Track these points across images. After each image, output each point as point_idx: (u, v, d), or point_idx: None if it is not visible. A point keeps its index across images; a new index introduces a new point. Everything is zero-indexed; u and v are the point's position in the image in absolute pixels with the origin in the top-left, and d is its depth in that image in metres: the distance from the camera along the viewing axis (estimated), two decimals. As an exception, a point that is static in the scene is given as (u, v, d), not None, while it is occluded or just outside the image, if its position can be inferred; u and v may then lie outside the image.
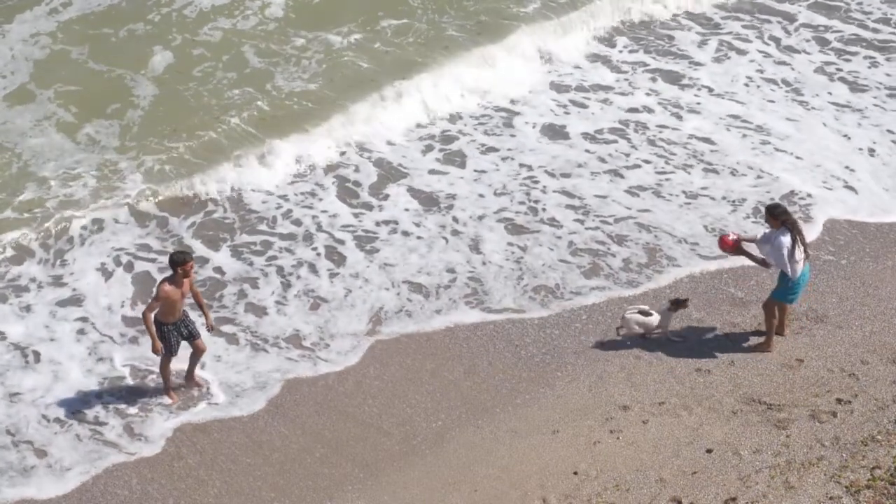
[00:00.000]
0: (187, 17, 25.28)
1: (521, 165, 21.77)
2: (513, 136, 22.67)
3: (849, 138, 22.28)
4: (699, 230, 19.85)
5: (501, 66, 24.36)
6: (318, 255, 19.62)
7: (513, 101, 23.64)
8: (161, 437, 16.28)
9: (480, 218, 20.41)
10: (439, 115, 23.13)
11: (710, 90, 23.99)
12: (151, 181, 20.95)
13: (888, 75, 24.36)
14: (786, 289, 16.66)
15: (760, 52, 25.27)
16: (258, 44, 24.61)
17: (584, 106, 23.60)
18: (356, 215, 20.55)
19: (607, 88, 24.19)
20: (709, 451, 15.29)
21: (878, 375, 16.40)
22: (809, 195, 20.52)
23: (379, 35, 25.07)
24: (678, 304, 17.29)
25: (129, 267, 19.31)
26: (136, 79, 23.51)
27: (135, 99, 22.97)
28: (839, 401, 15.93)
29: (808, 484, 14.53)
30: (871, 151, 21.87)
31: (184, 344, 16.67)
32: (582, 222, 20.23)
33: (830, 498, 14.27)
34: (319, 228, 20.21)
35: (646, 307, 17.47)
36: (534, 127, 22.91)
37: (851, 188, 20.81)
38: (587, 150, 22.19)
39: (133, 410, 16.68)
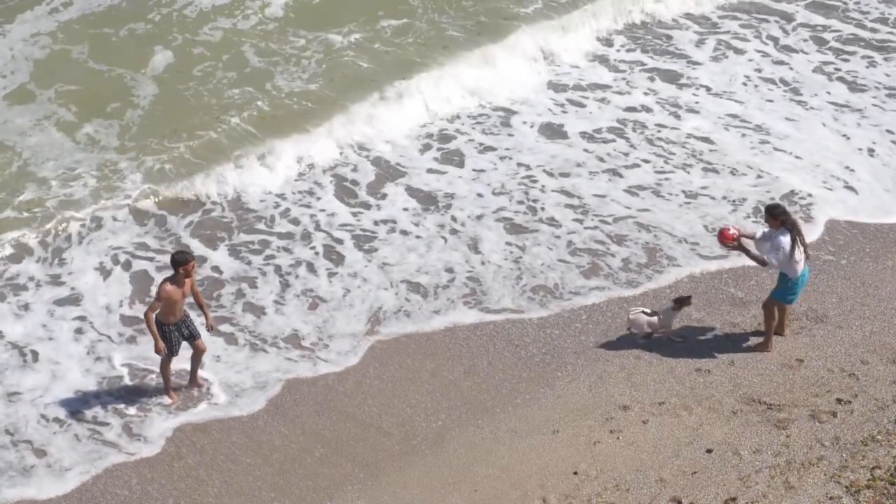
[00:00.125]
0: (187, 17, 25.18)
1: (520, 165, 21.66)
2: (511, 135, 22.56)
3: (848, 138, 22.16)
4: (699, 230, 19.74)
5: (500, 66, 24.22)
6: (317, 254, 19.51)
7: (511, 101, 23.51)
8: (161, 436, 16.17)
9: (479, 217, 20.30)
10: (438, 114, 23.00)
11: (709, 89, 23.88)
12: (151, 181, 20.86)
13: (887, 75, 24.23)
14: (785, 289, 16.56)
15: (758, 51, 25.14)
16: (258, 43, 24.52)
17: (582, 105, 23.48)
18: (355, 214, 20.44)
19: (605, 87, 24.07)
20: (709, 451, 15.19)
21: (878, 375, 16.30)
22: (810, 195, 20.41)
23: (379, 35, 24.97)
24: (681, 302, 17.18)
25: (127, 266, 19.20)
26: (136, 78, 23.39)
27: (135, 99, 22.86)
28: (839, 401, 15.83)
29: (808, 484, 14.43)
30: (871, 152, 21.75)
31: (184, 344, 16.53)
32: (581, 222, 20.11)
33: (830, 498, 14.17)
34: (318, 228, 20.10)
35: (647, 310, 17.33)
36: (532, 126, 22.79)
37: (852, 188, 20.70)
38: (586, 150, 22.07)
39: (133, 410, 16.56)
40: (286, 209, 20.51)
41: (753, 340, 17.11)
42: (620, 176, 21.27)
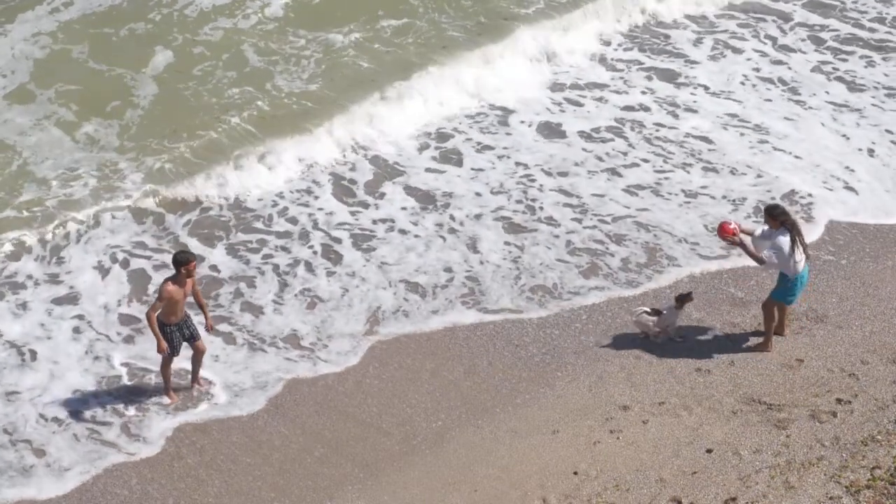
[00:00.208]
0: (188, 17, 25.09)
1: (518, 164, 21.54)
2: (508, 134, 22.43)
3: (848, 138, 22.04)
4: (699, 229, 19.61)
5: (499, 66, 24.09)
6: (315, 253, 19.40)
7: (509, 100, 23.37)
8: (161, 436, 16.05)
9: (478, 217, 20.18)
10: (437, 114, 22.86)
11: (707, 88, 23.76)
12: (150, 180, 20.74)
13: (886, 75, 24.11)
14: (785, 289, 16.46)
15: (756, 51, 25.02)
16: (257, 42, 24.42)
17: (580, 104, 23.35)
18: (353, 213, 20.32)
19: (603, 87, 23.94)
20: (709, 451, 15.09)
21: (878, 375, 16.20)
22: (810, 195, 20.29)
23: (379, 35, 24.86)
24: (683, 299, 17.05)
25: (125, 265, 19.08)
26: (137, 78, 23.28)
27: (135, 98, 22.76)
28: (839, 401, 15.73)
29: (808, 484, 14.33)
30: (871, 152, 21.62)
31: (184, 344, 16.43)
32: (580, 221, 19.99)
33: (830, 498, 14.08)
34: (316, 226, 20.00)
35: (648, 309, 17.23)
36: (530, 126, 22.67)
37: (852, 189, 20.56)
38: (584, 149, 21.94)
39: (132, 410, 16.44)
40: (284, 208, 20.40)
41: (753, 340, 16.99)
42: (619, 175, 21.15)
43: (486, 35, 25.00)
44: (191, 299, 16.26)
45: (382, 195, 20.75)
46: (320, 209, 20.38)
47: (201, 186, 20.64)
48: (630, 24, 25.90)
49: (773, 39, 25.41)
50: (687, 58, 24.85)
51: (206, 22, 24.98)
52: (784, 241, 16.01)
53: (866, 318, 17.36)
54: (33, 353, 17.36)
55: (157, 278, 18.56)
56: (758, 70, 24.34)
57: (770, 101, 23.29)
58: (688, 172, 21.12)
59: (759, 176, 20.90)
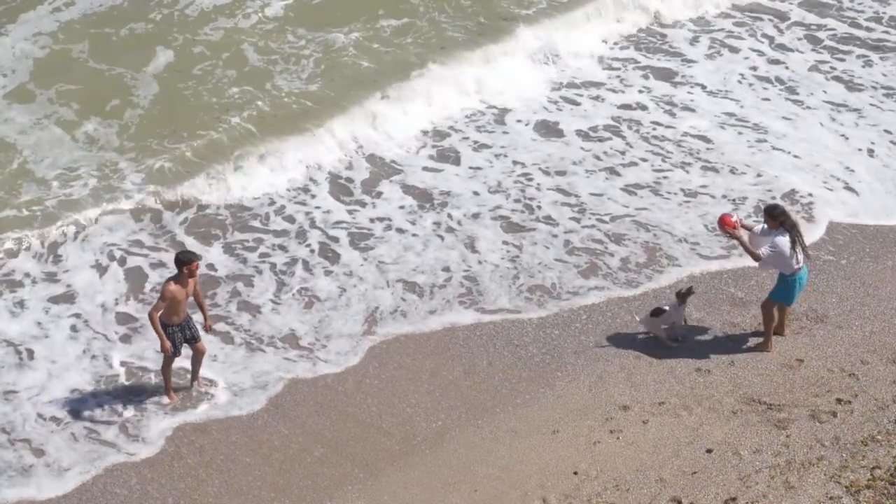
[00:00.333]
0: (188, 17, 24.97)
1: (516, 163, 21.40)
2: (505, 133, 22.29)
3: (847, 138, 21.88)
4: (700, 229, 19.45)
5: (497, 66, 23.92)
6: (312, 251, 19.27)
7: (506, 99, 23.20)
8: (161, 436, 15.91)
9: (476, 216, 20.02)
10: (435, 113, 22.70)
11: (704, 87, 23.60)
12: (149, 179, 20.61)
13: (884, 75, 23.94)
14: (784, 290, 16.36)
15: (753, 50, 24.87)
16: (257, 42, 24.30)
17: (577, 104, 23.19)
18: (351, 212, 20.18)
19: (600, 85, 23.78)
20: (709, 451, 14.99)
21: (878, 375, 16.08)
22: (810, 195, 20.14)
23: (379, 35, 24.73)
24: (684, 295, 16.88)
25: (122, 263, 18.94)
26: (137, 78, 23.14)
27: (135, 98, 22.62)
28: (839, 401, 15.62)
29: (808, 484, 14.23)
30: (871, 152, 21.45)
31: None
32: (578, 221, 19.84)
33: (830, 498, 13.98)
34: (313, 225, 19.86)
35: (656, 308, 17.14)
36: (527, 125, 22.51)
37: (852, 190, 20.40)
38: (582, 148, 21.77)
39: (132, 410, 16.29)
40: (282, 206, 20.28)
41: (753, 340, 16.87)
42: (618, 174, 20.99)
43: (485, 35, 24.85)
44: (190, 298, 16.10)
45: (380, 194, 20.61)
46: (317, 207, 20.26)
47: (200, 186, 20.49)
48: (630, 23, 25.67)
49: (770, 39, 25.25)
50: (684, 57, 24.71)
51: (207, 22, 24.85)
52: (782, 241, 15.90)
53: (866, 318, 17.24)
54: (31, 353, 17.22)
55: (155, 277, 18.52)
56: (755, 69, 24.18)
57: (768, 100, 23.13)
58: (687, 172, 20.97)
59: (758, 175, 20.75)
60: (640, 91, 23.49)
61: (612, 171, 21.04)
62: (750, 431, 15.22)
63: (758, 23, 25.84)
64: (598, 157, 21.46)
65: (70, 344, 17.37)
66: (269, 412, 16.23)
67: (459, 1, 25.74)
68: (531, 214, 20.00)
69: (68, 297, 18.23)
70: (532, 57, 24.25)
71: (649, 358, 16.75)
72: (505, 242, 19.36)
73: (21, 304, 18.10)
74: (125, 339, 17.46)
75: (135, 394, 16.51)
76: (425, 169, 21.22)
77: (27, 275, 18.66)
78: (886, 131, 22.04)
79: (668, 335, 16.98)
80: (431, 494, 14.83)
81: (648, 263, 18.75)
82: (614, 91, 23.53)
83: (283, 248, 19.32)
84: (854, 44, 25.01)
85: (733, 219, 16.22)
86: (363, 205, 20.36)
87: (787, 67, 24.20)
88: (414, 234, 19.61)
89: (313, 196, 20.54)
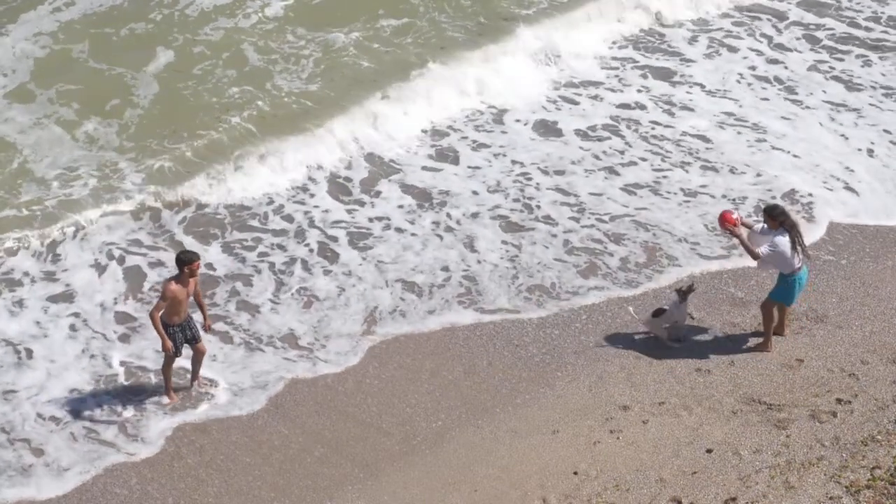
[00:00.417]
0: (189, 17, 24.87)
1: (514, 162, 21.29)
2: (504, 132, 22.16)
3: (846, 138, 21.76)
4: (700, 229, 19.34)
5: (496, 65, 23.77)
6: (311, 251, 19.16)
7: (505, 99, 23.07)
8: (160, 436, 15.81)
9: (474, 215, 19.92)
10: (434, 113, 22.56)
11: (703, 87, 23.47)
12: (149, 179, 20.50)
13: (883, 75, 23.81)
14: (784, 290, 16.28)
15: (752, 49, 24.74)
16: (257, 42, 24.20)
17: (575, 103, 23.07)
18: (349, 212, 20.07)
19: (598, 84, 23.64)
20: (709, 451, 14.91)
21: (878, 375, 16.00)
22: (810, 195, 20.03)
23: (379, 34, 24.63)
24: (686, 293, 16.77)
25: (121, 262, 18.85)
26: (137, 77, 23.04)
27: (135, 98, 22.53)
28: (839, 401, 15.54)
29: (808, 484, 14.16)
30: (871, 152, 21.33)
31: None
32: (577, 220, 19.73)
33: (830, 498, 13.91)
34: (312, 224, 19.75)
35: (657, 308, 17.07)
36: (525, 124, 22.40)
37: (853, 190, 20.29)
38: (581, 147, 21.66)
39: (131, 409, 16.18)
40: (280, 205, 20.18)
41: (753, 340, 16.79)
42: (617, 174, 20.88)
43: (485, 35, 24.73)
44: (190, 298, 16.02)
45: (379, 193, 20.50)
46: (316, 206, 20.16)
47: (199, 186, 20.39)
48: (629, 23, 25.51)
49: (769, 38, 25.12)
50: (682, 56, 24.59)
51: (207, 22, 24.77)
52: (782, 241, 15.83)
53: (866, 318, 17.16)
54: (29, 352, 17.12)
55: (153, 276, 18.45)
56: (753, 69, 24.05)
57: (767, 99, 23.01)
58: (686, 171, 20.85)
59: (758, 175, 20.64)
60: (639, 90, 23.37)
61: (612, 171, 20.93)
62: (750, 431, 15.14)
63: (756, 22, 25.71)
64: (597, 157, 21.35)
65: (69, 343, 17.27)
66: (269, 412, 16.13)
67: (459, 1, 25.62)
68: (530, 214, 19.89)
69: (67, 297, 18.14)
70: (532, 57, 24.09)
71: (649, 358, 16.65)
72: (504, 242, 19.25)
73: (20, 303, 18.01)
74: (124, 338, 17.36)
75: (134, 393, 16.41)
76: (424, 168, 21.11)
77: (26, 273, 18.57)
78: (886, 131, 21.92)
79: (669, 335, 16.87)
80: (431, 494, 14.75)
81: (648, 263, 18.64)
82: (613, 90, 23.41)
83: (281, 247, 19.22)
84: (853, 43, 24.88)
85: (734, 216, 16.12)
86: (362, 204, 20.26)
87: (786, 67, 24.07)
88: (413, 234, 19.50)
89: (312, 195, 20.43)
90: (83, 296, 18.15)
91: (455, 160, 21.34)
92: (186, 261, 15.55)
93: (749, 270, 17.99)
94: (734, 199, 19.96)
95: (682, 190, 20.33)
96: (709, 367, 16.36)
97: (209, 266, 18.67)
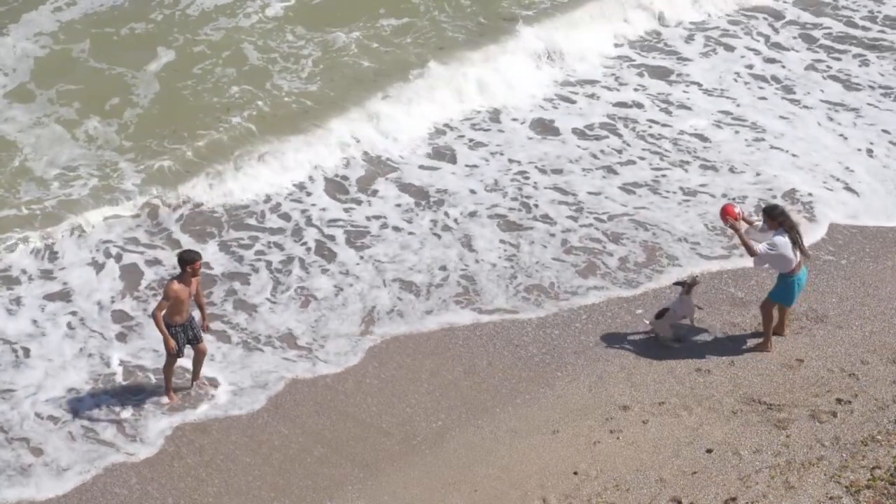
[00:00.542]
0: (189, 17, 24.71)
1: (512, 161, 21.12)
2: (501, 131, 21.98)
3: (845, 138, 21.55)
4: (700, 228, 19.17)
5: (494, 65, 23.52)
6: (309, 250, 19.02)
7: (502, 98, 22.87)
8: (160, 436, 15.70)
9: (472, 214, 19.75)
10: (433, 112, 22.37)
11: (700, 86, 23.25)
12: (149, 178, 20.37)
13: (881, 74, 23.60)
14: (784, 290, 16.13)
15: (749, 48, 24.51)
16: (257, 41, 24.04)
17: (572, 102, 22.88)
18: (347, 210, 19.91)
19: (595, 83, 23.45)
20: (709, 451, 14.78)
21: (878, 375, 15.84)
22: (810, 195, 19.85)
23: (379, 34, 24.46)
24: (688, 285, 16.59)
25: (118, 260, 18.72)
26: (138, 77, 22.89)
27: (135, 98, 22.38)
28: (839, 401, 15.39)
29: (808, 484, 14.04)
30: (870, 152, 21.13)
31: (182, 345, 16.15)
32: (576, 219, 19.55)
33: (830, 498, 13.79)
34: (309, 223, 19.60)
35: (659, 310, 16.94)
36: (522, 123, 22.23)
37: (853, 190, 20.09)
38: (578, 146, 21.48)
39: (131, 409, 16.06)
40: (277, 204, 20.04)
41: (753, 340, 16.63)
42: (615, 173, 20.70)
43: (485, 35, 24.54)
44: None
45: (376, 192, 20.34)
46: (313, 205, 20.03)
47: (198, 185, 20.26)
48: (628, 23, 25.25)
49: (766, 37, 24.90)
50: (679, 55, 24.37)
51: (207, 21, 24.62)
52: (781, 241, 15.68)
53: (866, 318, 17.00)
54: (27, 351, 16.99)
55: (150, 274, 18.33)
56: (751, 68, 23.85)
57: (765, 99, 22.81)
58: (686, 171, 20.67)
59: (757, 174, 20.46)
60: (636, 89, 23.19)
61: (610, 170, 20.75)
62: (750, 431, 15.01)
63: (753, 21, 25.49)
64: (594, 156, 21.18)
65: (67, 342, 17.16)
66: (269, 412, 16.01)
67: (460, 1, 25.44)
68: (528, 213, 19.73)
69: (64, 295, 18.02)
70: (531, 56, 23.87)
71: (649, 358, 16.52)
72: (502, 241, 19.10)
73: (17, 301, 17.88)
74: (122, 337, 17.24)
75: (133, 393, 16.29)
76: (422, 167, 20.94)
77: (24, 271, 18.43)
78: (885, 131, 21.71)
79: (674, 334, 16.71)
80: (431, 494, 14.64)
81: (648, 263, 18.47)
82: (609, 89, 23.23)
83: (279, 246, 19.07)
84: (850, 43, 24.67)
85: (737, 210, 16.01)
86: (359, 203, 20.11)
87: (783, 66, 23.86)
88: (410, 233, 19.35)
89: (309, 193, 20.30)
90: (80, 294, 18.02)
91: (452, 159, 21.18)
92: (189, 260, 15.47)
93: (749, 270, 17.84)
94: (734, 199, 19.72)
95: (681, 189, 20.16)
96: (709, 367, 16.21)
97: (206, 265, 18.36)
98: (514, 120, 22.27)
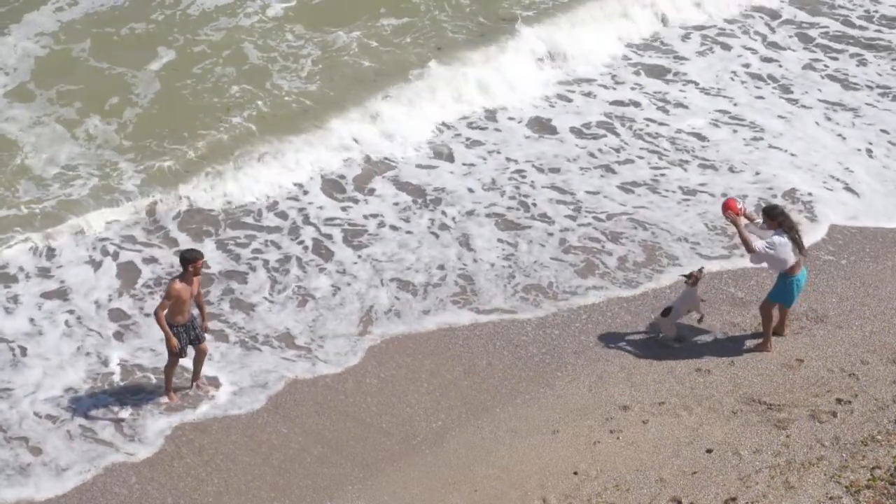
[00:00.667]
0: (190, 17, 24.50)
1: (509, 160, 20.93)
2: (498, 130, 21.79)
3: (844, 138, 21.36)
4: (700, 228, 18.99)
5: (496, 64, 23.30)
6: (306, 249, 18.83)
7: (500, 97, 22.64)
8: (160, 435, 15.55)
9: (470, 213, 19.57)
10: (434, 112, 22.14)
11: (697, 84, 23.05)
12: (148, 178, 20.20)
13: (879, 74, 23.40)
14: (783, 290, 15.99)
15: (746, 47, 24.29)
16: (258, 41, 23.86)
17: (569, 100, 22.68)
18: (344, 209, 19.74)
19: (591, 81, 23.24)
20: (709, 451, 14.65)
21: (878, 375, 15.69)
22: (810, 194, 19.67)
23: (379, 34, 24.27)
24: (694, 276, 16.44)
25: (115, 258, 18.56)
26: (138, 76, 22.70)
27: (135, 97, 22.20)
28: (839, 401, 15.25)
29: (808, 484, 13.90)
30: (869, 152, 20.93)
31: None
32: (574, 219, 19.37)
33: (830, 498, 13.65)
34: (307, 221, 19.41)
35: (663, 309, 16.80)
36: (519, 122, 22.03)
37: (852, 191, 19.90)
38: (576, 145, 21.29)
39: (130, 409, 15.90)
40: (275, 202, 19.86)
41: (753, 341, 16.49)
42: (613, 172, 20.51)
43: (485, 35, 24.33)
44: (190, 297, 15.88)
45: (373, 191, 20.17)
46: (311, 203, 19.87)
47: (197, 184, 20.09)
48: (628, 23, 24.96)
49: (763, 36, 24.68)
50: (676, 54, 24.15)
51: (208, 21, 24.44)
52: (780, 241, 15.56)
53: (866, 318, 16.85)
54: (24, 350, 16.83)
55: (147, 273, 18.18)
56: (748, 67, 23.65)
57: (762, 98, 22.60)
58: (685, 170, 20.49)
59: (756, 174, 20.28)
60: (633, 88, 23.00)
61: (608, 169, 20.57)
62: (750, 431, 14.88)
63: (749, 20, 25.27)
64: (592, 155, 21.00)
65: (64, 341, 17.02)
66: (269, 412, 15.87)
67: (460, 1, 25.25)
68: (526, 212, 19.56)
69: (62, 293, 17.88)
70: (530, 56, 23.64)
71: (649, 358, 16.38)
72: (500, 241, 18.93)
73: (15, 299, 17.73)
74: (119, 336, 17.10)
75: (132, 393, 16.14)
76: (419, 166, 20.76)
77: (21, 269, 18.26)
78: (883, 131, 21.50)
79: (675, 334, 16.56)
80: (431, 494, 14.51)
81: (648, 263, 18.29)
82: (606, 88, 23.02)
83: (276, 244, 18.92)
84: (847, 42, 24.45)
85: (739, 205, 15.86)
86: (356, 201, 19.93)
87: (780, 65, 23.65)
88: (408, 232, 19.19)
89: (306, 192, 20.11)
90: (78, 293, 17.88)
91: (450, 157, 21.01)
92: (191, 259, 15.36)
93: (749, 270, 17.67)
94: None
95: (680, 188, 19.98)
96: (709, 367, 16.07)
97: (203, 264, 18.30)
98: (511, 119, 22.09)
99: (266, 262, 18.51)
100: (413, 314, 17.44)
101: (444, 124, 21.84)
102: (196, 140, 21.01)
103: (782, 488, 13.83)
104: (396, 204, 19.80)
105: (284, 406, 15.90)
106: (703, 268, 16.79)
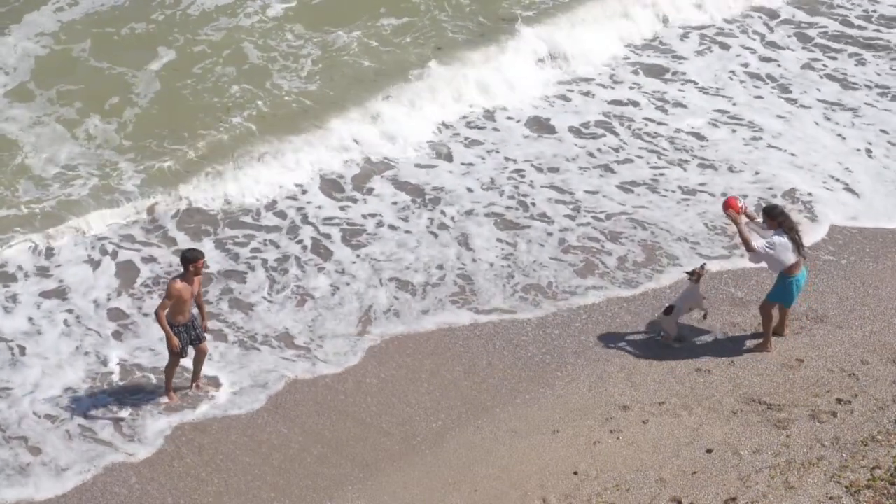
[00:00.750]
0: (190, 17, 24.38)
1: (508, 159, 20.82)
2: (496, 130, 21.68)
3: (844, 138, 21.24)
4: (699, 228, 18.88)
5: (496, 64, 23.17)
6: (305, 248, 18.74)
7: (502, 97, 22.52)
8: (160, 435, 15.47)
9: (469, 213, 19.46)
10: (434, 112, 22.02)
11: (696, 84, 22.92)
12: (148, 178, 20.10)
13: (878, 74, 23.27)
14: (782, 290, 15.89)
15: (744, 47, 24.15)
16: (258, 41, 23.76)
17: (568, 100, 22.57)
18: (343, 209, 19.64)
19: (590, 81, 23.11)
20: (709, 451, 14.58)
21: (878, 375, 15.61)
22: (810, 194, 19.56)
23: (379, 34, 24.16)
24: (699, 275, 16.33)
25: (114, 257, 18.47)
26: (138, 76, 22.60)
27: (135, 97, 22.10)
28: (839, 401, 15.17)
29: (808, 484, 13.84)
30: (869, 152, 20.80)
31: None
32: (573, 218, 19.26)
33: (830, 498, 13.59)
34: (305, 221, 19.32)
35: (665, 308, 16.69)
36: (518, 122, 21.92)
37: (852, 191, 19.77)
38: (575, 145, 21.18)
39: (129, 408, 15.82)
40: (273, 201, 19.76)
41: (753, 341, 16.40)
42: (612, 172, 20.40)
43: (485, 35, 24.21)
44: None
45: (371, 190, 20.06)
46: (309, 202, 19.76)
47: (197, 184, 19.99)
48: (627, 23, 24.82)
49: (761, 36, 24.54)
50: (674, 53, 24.03)
51: (208, 21, 24.33)
52: (780, 241, 15.48)
53: (866, 318, 16.76)
54: (22, 349, 16.74)
55: (146, 272, 18.10)
56: (746, 66, 23.52)
57: (761, 97, 22.47)
58: (684, 169, 20.38)
59: (756, 173, 20.17)
60: (631, 87, 22.88)
61: (607, 169, 20.46)
62: (750, 431, 14.81)
63: (748, 20, 25.14)
64: (591, 154, 20.88)
65: (63, 341, 16.93)
66: (269, 412, 15.78)
67: (460, 1, 25.14)
68: (525, 212, 19.45)
69: (60, 293, 17.80)
70: (530, 56, 23.52)
71: (649, 358, 16.29)
72: (499, 240, 18.82)
73: (13, 298, 17.66)
74: (118, 335, 17.02)
75: (131, 392, 16.06)
76: (418, 166, 20.66)
77: (20, 268, 18.18)
78: (883, 131, 21.36)
79: (676, 334, 16.47)
80: (431, 494, 14.44)
81: (647, 262, 18.19)
82: (604, 87, 22.90)
83: (274, 243, 18.82)
84: (846, 42, 24.32)
85: (740, 204, 15.79)
86: (355, 201, 19.83)
87: (779, 65, 23.53)
88: (407, 231, 19.09)
89: (304, 191, 20.02)
90: (77, 292, 17.80)
91: (449, 157, 20.91)
92: (191, 259, 15.31)
93: (749, 270, 17.57)
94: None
95: (680, 188, 19.87)
96: (709, 367, 15.99)
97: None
98: (510, 118, 21.98)
99: (265, 261, 18.42)
100: (412, 314, 17.35)
101: (443, 124, 21.72)
102: (196, 140, 20.92)
103: (782, 488, 13.77)
104: (395, 203, 19.69)
105: (284, 406, 15.81)
106: (705, 264, 16.72)
